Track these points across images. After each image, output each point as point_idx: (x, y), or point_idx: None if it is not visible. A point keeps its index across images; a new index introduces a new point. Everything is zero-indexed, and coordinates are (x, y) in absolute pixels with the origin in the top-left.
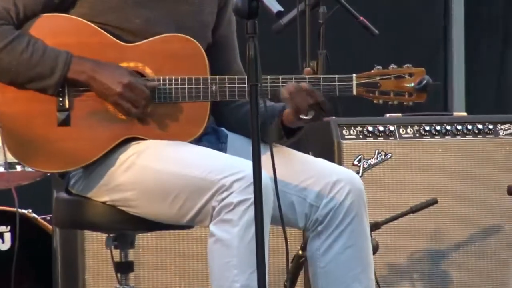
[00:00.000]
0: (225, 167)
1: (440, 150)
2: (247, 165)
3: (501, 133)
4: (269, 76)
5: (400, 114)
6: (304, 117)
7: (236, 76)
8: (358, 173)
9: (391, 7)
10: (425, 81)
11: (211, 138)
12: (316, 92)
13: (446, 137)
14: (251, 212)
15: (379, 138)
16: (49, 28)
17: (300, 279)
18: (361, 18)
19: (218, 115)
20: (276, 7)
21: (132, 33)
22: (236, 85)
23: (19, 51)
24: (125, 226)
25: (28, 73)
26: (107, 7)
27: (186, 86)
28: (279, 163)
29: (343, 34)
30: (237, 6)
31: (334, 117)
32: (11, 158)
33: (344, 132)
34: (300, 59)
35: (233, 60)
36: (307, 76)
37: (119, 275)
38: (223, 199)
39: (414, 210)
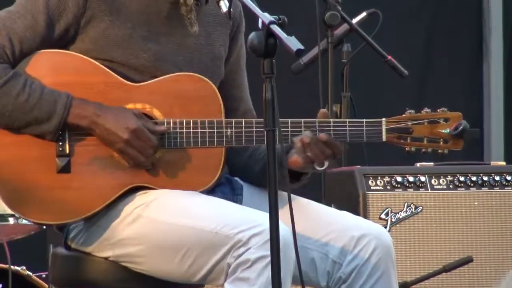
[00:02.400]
0: (241, 220)
1: (476, 203)
2: (266, 219)
3: None
4: (289, 120)
5: (432, 163)
6: (319, 168)
7: (254, 120)
8: (385, 227)
9: (423, 46)
10: (462, 127)
11: (225, 189)
12: (334, 143)
13: (482, 188)
14: (270, 270)
15: (408, 190)
16: (48, 66)
17: None
18: (389, 57)
19: (233, 164)
20: (295, 45)
21: (139, 70)
22: (254, 130)
23: (14, 94)
24: (129, 285)
25: (25, 117)
26: (111, 42)
27: (199, 130)
28: (299, 216)
29: (370, 75)
30: (253, 44)
31: (359, 166)
32: (3, 210)
33: (370, 182)
34: (322, 102)
35: (241, 99)
36: (331, 120)
37: None
38: (239, 256)
39: (447, 269)
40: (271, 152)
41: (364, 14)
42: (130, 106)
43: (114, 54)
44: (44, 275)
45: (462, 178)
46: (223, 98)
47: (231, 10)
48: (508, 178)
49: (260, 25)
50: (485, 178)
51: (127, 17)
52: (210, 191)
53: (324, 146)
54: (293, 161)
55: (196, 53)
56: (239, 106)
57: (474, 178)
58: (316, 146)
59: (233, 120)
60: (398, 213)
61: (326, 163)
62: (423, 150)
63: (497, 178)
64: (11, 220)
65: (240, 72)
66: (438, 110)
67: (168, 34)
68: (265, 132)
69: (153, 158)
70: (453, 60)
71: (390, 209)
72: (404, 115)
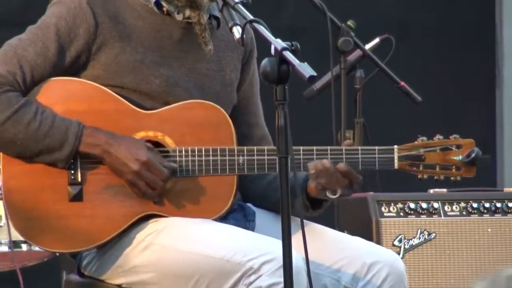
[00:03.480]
0: (253, 247)
1: (489, 229)
2: (277, 245)
3: None
4: (301, 147)
5: (445, 190)
6: (331, 196)
7: (265, 147)
8: (398, 254)
9: (435, 72)
10: (474, 154)
11: (238, 216)
12: (353, 173)
13: (496, 215)
14: None
15: (421, 216)
16: (59, 94)
17: None
18: (402, 83)
19: (245, 190)
20: (308, 72)
21: (150, 95)
22: (266, 157)
23: (25, 122)
24: None
25: (36, 145)
26: (122, 68)
27: (211, 158)
28: (311, 242)
29: (382, 101)
30: (265, 70)
31: (372, 193)
32: (16, 237)
33: (383, 209)
34: (335, 128)
35: (255, 125)
36: (343, 148)
37: None
38: (251, 283)
39: None
40: (284, 179)
41: (377, 40)
42: (141, 134)
43: (125, 80)
44: None
45: (475, 205)
46: (238, 124)
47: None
48: None
49: (272, 51)
50: (498, 205)
51: (138, 42)
52: (223, 218)
53: (340, 176)
54: (310, 187)
55: (207, 79)
56: (254, 132)
57: (487, 205)
58: (330, 175)
59: (245, 147)
60: (411, 239)
61: (339, 191)
62: (435, 177)
63: (510, 204)
64: (24, 247)
65: (254, 98)
66: (451, 137)
67: (180, 58)
68: (277, 159)
69: (163, 189)
70: (466, 86)
71: (403, 235)
72: (416, 142)
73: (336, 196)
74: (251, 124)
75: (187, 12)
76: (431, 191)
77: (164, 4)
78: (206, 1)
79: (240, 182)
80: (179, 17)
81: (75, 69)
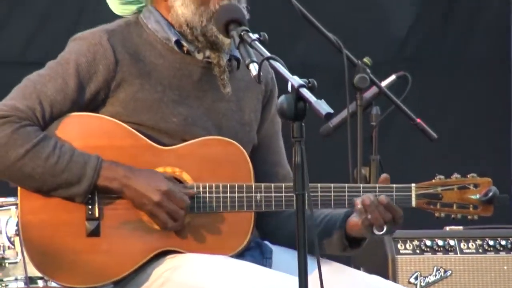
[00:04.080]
0: (269, 285)
1: (505, 267)
2: (294, 283)
3: None
4: (319, 185)
5: (461, 227)
6: (378, 233)
7: (283, 184)
8: None
9: (452, 110)
10: (491, 193)
11: (255, 253)
12: (395, 206)
13: None
14: None
15: (438, 254)
16: (78, 129)
17: None
18: (418, 120)
19: (263, 228)
20: (325, 109)
21: (169, 133)
22: (283, 194)
23: (44, 156)
24: None
25: (55, 180)
26: (141, 105)
27: (228, 194)
28: (329, 280)
29: (399, 138)
30: (282, 107)
31: None
32: (32, 272)
33: (399, 246)
34: (351, 165)
35: (278, 164)
36: (361, 185)
37: None
38: None
39: None
40: (300, 216)
41: (393, 77)
42: (159, 169)
43: (144, 118)
44: None
45: (491, 242)
46: (261, 163)
47: (262, 74)
48: None
49: (289, 88)
50: None
51: (157, 81)
52: (240, 255)
53: (384, 210)
54: (352, 225)
55: (225, 118)
56: (277, 171)
57: (503, 242)
58: (376, 209)
59: (262, 184)
60: (427, 277)
61: (385, 228)
62: (452, 216)
63: None
64: (40, 283)
65: (276, 137)
66: (468, 176)
67: (199, 98)
68: (294, 196)
69: (183, 221)
70: (482, 125)
71: (419, 273)
72: (433, 181)
73: (383, 232)
74: (274, 163)
75: (207, 53)
76: (447, 228)
77: (184, 43)
78: (227, 43)
79: (264, 221)
80: (199, 56)
81: (94, 105)
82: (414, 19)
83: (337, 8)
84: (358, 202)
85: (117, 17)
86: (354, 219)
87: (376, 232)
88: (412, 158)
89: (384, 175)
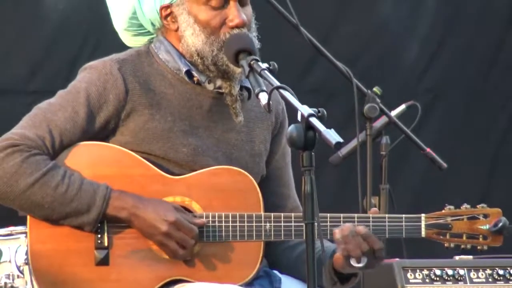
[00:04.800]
0: None
1: None
2: None
3: None
4: (329, 215)
5: (471, 257)
6: (356, 265)
7: (292, 214)
8: None
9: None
10: (501, 223)
11: (264, 282)
12: (373, 237)
13: None
14: None
15: (447, 283)
16: (87, 158)
17: None
18: (428, 149)
19: (272, 257)
20: (334, 138)
21: (178, 163)
22: (293, 224)
23: (53, 185)
24: None
25: (64, 208)
26: (151, 135)
27: (238, 224)
28: None
29: (408, 167)
30: (292, 137)
31: (397, 259)
32: None
33: (409, 275)
34: (360, 194)
35: (287, 196)
36: (371, 216)
37: None
38: None
39: None
40: (310, 245)
41: (403, 106)
42: (169, 199)
43: (153, 147)
44: None
45: (501, 272)
46: (270, 195)
47: (272, 104)
48: None
49: (299, 117)
50: None
51: (167, 111)
52: (249, 285)
53: (361, 240)
54: (336, 257)
55: (235, 149)
56: (286, 203)
57: None
58: (353, 240)
59: (272, 214)
60: None
61: (364, 260)
62: (462, 246)
63: None
64: None
65: (286, 169)
66: (478, 206)
67: (209, 128)
68: (304, 225)
69: (193, 250)
70: (491, 152)
71: None
72: (443, 211)
73: (361, 265)
74: (283, 195)
75: (218, 82)
76: (457, 257)
77: (195, 74)
78: (238, 73)
79: (273, 251)
80: (210, 86)
81: (104, 134)
82: (435, 49)
83: (354, 36)
84: (335, 231)
85: (120, 45)
86: (337, 251)
87: (354, 264)
88: (422, 188)
89: (373, 209)
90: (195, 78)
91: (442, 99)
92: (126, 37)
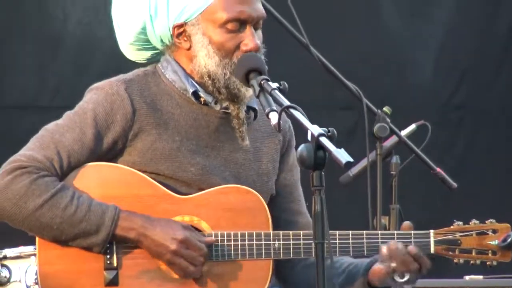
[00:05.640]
0: None
1: None
2: None
3: None
4: (337, 232)
5: (481, 277)
6: (399, 280)
7: (301, 232)
8: None
9: (470, 157)
10: (510, 239)
11: None
12: (425, 258)
13: None
14: None
15: None
16: (95, 179)
17: None
18: (438, 169)
19: (281, 275)
20: (345, 158)
21: (186, 183)
22: (302, 242)
23: (62, 206)
24: None
25: (72, 230)
26: (159, 155)
27: (246, 242)
28: None
29: (418, 186)
30: (302, 156)
31: None
32: None
33: None
34: (371, 214)
35: (299, 213)
36: (379, 232)
37: None
38: None
39: None
40: (320, 264)
41: (413, 126)
42: (178, 218)
43: (161, 167)
44: None
45: None
46: (281, 212)
47: (280, 123)
48: None
49: (309, 137)
50: None
51: (175, 131)
52: None
53: (411, 259)
54: (375, 271)
55: (243, 168)
56: (298, 219)
57: None
58: (403, 256)
59: (280, 232)
60: None
61: (407, 276)
62: (471, 262)
63: None
64: None
65: (296, 186)
66: (486, 222)
67: (216, 148)
68: (313, 244)
69: (202, 268)
70: (501, 170)
71: None
72: (452, 227)
73: (404, 280)
74: (295, 212)
75: (225, 103)
76: (467, 277)
77: (202, 94)
78: (248, 96)
79: (282, 269)
80: (216, 107)
81: (111, 154)
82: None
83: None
84: (383, 247)
85: (124, 61)
86: (378, 265)
87: (397, 280)
88: (431, 207)
89: (406, 223)
90: (201, 99)
91: (448, 117)
92: (129, 51)
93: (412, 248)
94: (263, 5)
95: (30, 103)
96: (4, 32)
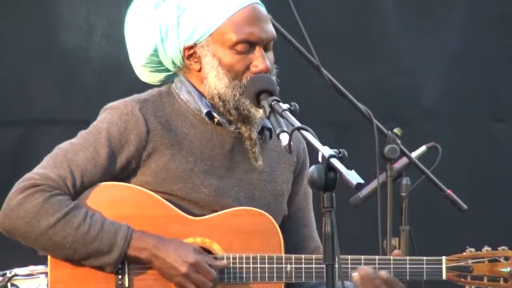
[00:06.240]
0: None
1: None
2: None
3: None
4: (349, 256)
5: None
6: None
7: (313, 256)
8: None
9: (480, 179)
10: None
11: None
12: (396, 283)
13: None
14: None
15: None
16: (108, 199)
17: None
18: (449, 191)
19: None
20: (355, 179)
21: (199, 204)
22: (314, 265)
23: (75, 225)
24: None
25: (85, 249)
26: (172, 175)
27: (258, 265)
28: None
29: (429, 209)
30: (313, 178)
31: None
32: None
33: None
34: (381, 236)
35: (309, 237)
36: (391, 257)
37: None
38: None
39: None
40: (330, 286)
41: (423, 148)
42: (189, 240)
43: (174, 188)
44: None
45: None
46: (291, 235)
47: (293, 144)
48: None
49: (320, 158)
50: None
51: (189, 151)
52: None
53: (383, 284)
54: None
55: (258, 189)
56: (308, 244)
57: None
58: (372, 281)
59: (293, 255)
60: None
61: None
62: None
63: None
64: None
65: (308, 210)
66: (499, 249)
67: (231, 169)
68: (324, 266)
69: None
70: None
71: None
72: (464, 253)
73: None
74: (305, 236)
75: (238, 124)
76: None
77: (215, 115)
78: (258, 117)
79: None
80: (231, 127)
81: (125, 174)
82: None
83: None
84: (354, 273)
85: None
86: None
87: None
88: (442, 229)
89: (395, 251)
90: (215, 119)
91: (458, 137)
92: (142, 73)
93: (383, 273)
94: (274, 26)
95: (55, 117)
96: (28, 45)
